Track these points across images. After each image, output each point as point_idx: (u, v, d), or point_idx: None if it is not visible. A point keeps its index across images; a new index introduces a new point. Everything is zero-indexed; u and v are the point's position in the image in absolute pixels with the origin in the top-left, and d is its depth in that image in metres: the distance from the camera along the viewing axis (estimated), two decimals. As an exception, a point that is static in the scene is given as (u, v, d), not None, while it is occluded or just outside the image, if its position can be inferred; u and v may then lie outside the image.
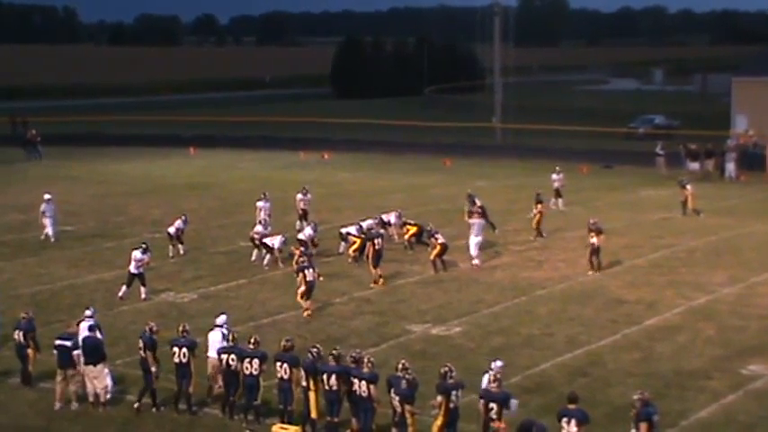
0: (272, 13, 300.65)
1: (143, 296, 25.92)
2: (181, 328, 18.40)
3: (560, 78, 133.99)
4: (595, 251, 28.62)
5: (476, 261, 29.48)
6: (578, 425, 14.83)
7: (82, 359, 18.54)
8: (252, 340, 18.01)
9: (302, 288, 24.45)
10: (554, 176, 39.75)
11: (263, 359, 17.64)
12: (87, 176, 50.47)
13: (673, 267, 29.54)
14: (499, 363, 16.66)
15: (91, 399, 18.58)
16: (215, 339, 18.67)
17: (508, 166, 53.56)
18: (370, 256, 27.76)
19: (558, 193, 39.62)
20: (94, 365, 18.43)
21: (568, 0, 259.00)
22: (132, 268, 25.91)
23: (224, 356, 18.00)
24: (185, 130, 68.65)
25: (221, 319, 19.23)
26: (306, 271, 24.45)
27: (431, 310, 25.10)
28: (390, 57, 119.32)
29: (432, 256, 28.94)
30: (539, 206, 33.57)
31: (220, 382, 18.31)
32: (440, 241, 28.94)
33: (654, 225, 36.21)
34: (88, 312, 19.75)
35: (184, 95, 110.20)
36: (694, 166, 48.78)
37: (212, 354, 18.61)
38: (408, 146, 61.27)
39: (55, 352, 18.95)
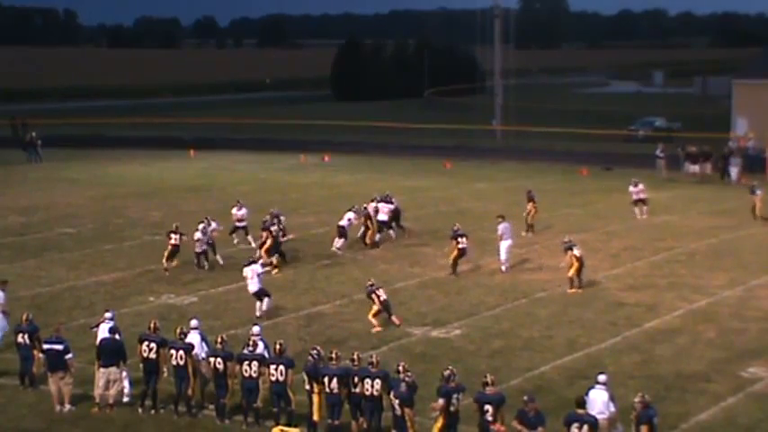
0: (272, 15, 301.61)
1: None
2: (178, 331, 18.44)
3: (560, 81, 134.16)
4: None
5: (503, 267, 29.26)
6: (591, 430, 14.71)
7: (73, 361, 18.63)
8: (251, 343, 18.03)
9: (375, 308, 23.88)
10: (632, 188, 37.84)
11: (262, 362, 17.62)
12: (87, 179, 50.43)
13: (673, 270, 29.53)
14: (603, 376, 16.48)
15: (97, 399, 18.54)
16: (194, 342, 18.70)
17: (508, 169, 53.54)
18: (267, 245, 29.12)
19: (642, 202, 37.69)
20: (117, 367, 18.45)
21: (569, 2, 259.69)
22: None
23: (212, 360, 18.04)
24: (185, 133, 68.71)
25: (194, 322, 19.30)
26: (378, 291, 23.97)
27: (431, 313, 25.08)
28: (390, 59, 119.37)
29: (451, 258, 28.86)
30: (531, 204, 34.22)
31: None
32: (460, 246, 28.79)
33: (654, 227, 36.17)
34: (108, 315, 19.79)
35: (184, 98, 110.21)
36: (693, 168, 48.68)
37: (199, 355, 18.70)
38: (408, 148, 61.24)
39: (41, 356, 18.97)
